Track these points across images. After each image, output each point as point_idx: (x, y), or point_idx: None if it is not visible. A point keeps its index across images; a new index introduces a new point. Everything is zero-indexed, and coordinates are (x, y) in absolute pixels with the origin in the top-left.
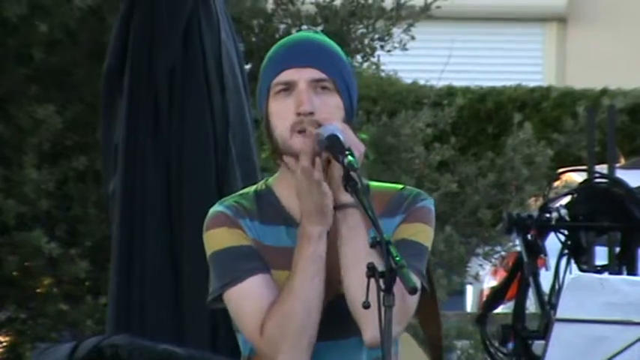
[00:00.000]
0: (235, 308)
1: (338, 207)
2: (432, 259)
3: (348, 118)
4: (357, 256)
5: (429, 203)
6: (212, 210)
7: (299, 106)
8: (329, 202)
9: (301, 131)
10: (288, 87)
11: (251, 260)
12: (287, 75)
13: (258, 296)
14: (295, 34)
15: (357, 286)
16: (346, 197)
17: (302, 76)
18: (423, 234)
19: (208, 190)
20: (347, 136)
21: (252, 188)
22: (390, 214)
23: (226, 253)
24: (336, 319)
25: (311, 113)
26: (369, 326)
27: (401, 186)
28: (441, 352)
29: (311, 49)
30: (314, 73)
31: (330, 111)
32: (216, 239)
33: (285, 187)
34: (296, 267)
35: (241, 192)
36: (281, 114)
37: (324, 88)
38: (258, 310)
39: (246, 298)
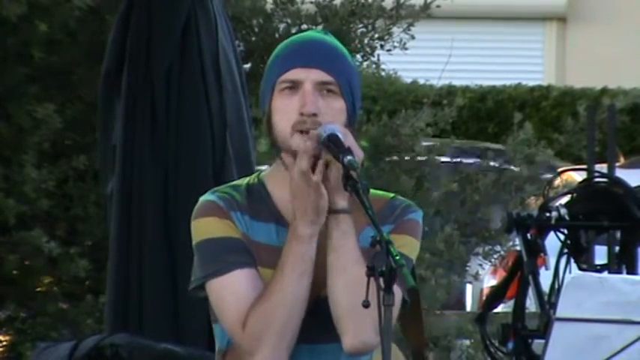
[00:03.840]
0: (217, 300)
1: (332, 211)
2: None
3: (350, 122)
4: (346, 262)
5: (418, 216)
6: (203, 198)
7: (303, 107)
8: (325, 203)
9: (303, 131)
10: (294, 85)
11: (239, 253)
12: (294, 73)
13: (243, 290)
14: (305, 33)
15: (342, 291)
16: (341, 202)
17: (309, 76)
18: (410, 247)
19: (206, 189)
20: (347, 139)
21: (245, 180)
22: (379, 222)
23: (214, 243)
24: (318, 322)
25: (314, 115)
26: (349, 333)
27: (392, 195)
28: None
29: (320, 51)
30: (321, 75)
31: (334, 114)
32: (205, 228)
33: (277, 183)
34: (284, 265)
35: (233, 183)
36: (284, 111)
37: (329, 91)
38: (241, 304)
39: (231, 291)
